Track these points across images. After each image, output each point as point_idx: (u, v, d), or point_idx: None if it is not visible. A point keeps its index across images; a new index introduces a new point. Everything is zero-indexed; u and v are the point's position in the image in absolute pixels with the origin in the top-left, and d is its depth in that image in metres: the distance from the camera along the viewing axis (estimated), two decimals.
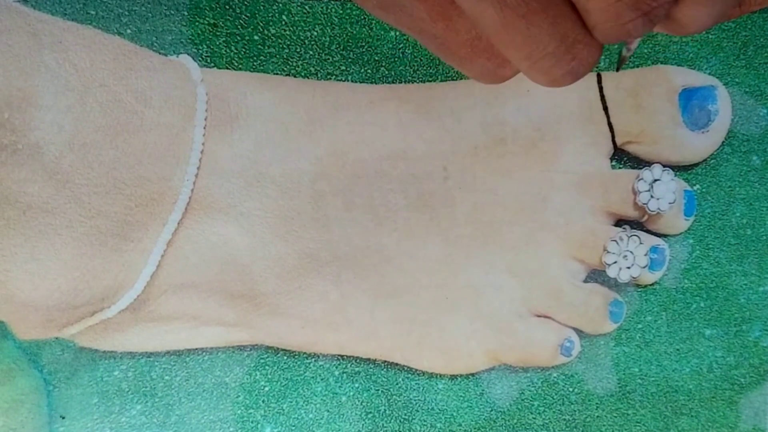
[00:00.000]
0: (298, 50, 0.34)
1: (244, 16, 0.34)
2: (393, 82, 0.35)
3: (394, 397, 0.35)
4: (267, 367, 0.35)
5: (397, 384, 0.35)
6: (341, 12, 0.34)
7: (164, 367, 0.35)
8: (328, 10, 0.34)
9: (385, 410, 0.35)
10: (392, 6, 0.19)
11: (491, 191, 0.33)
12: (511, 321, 0.34)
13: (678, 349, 0.36)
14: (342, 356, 0.35)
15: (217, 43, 0.34)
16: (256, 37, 0.34)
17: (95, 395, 0.35)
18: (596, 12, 0.17)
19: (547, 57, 0.18)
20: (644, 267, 0.33)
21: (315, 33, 0.34)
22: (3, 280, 0.27)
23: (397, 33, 0.35)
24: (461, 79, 0.35)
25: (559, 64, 0.19)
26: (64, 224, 0.27)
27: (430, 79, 0.35)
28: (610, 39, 0.18)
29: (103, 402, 0.35)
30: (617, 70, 0.23)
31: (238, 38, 0.34)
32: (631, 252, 0.33)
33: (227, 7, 0.34)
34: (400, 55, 0.35)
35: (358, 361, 0.35)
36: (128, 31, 0.34)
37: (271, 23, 0.34)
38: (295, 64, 0.34)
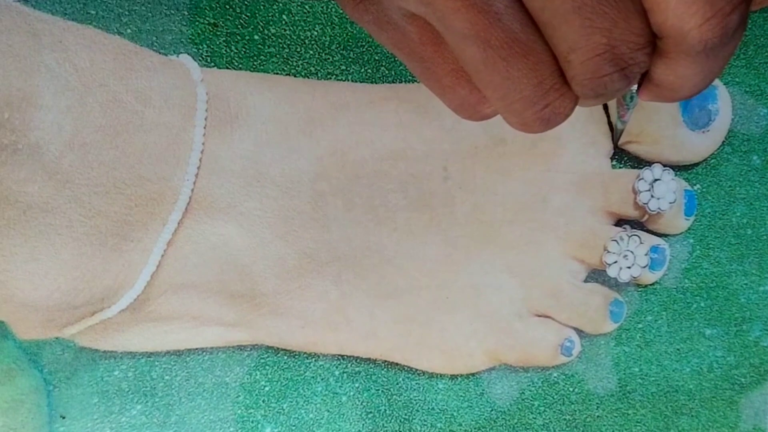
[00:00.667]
0: (298, 50, 0.34)
1: (244, 16, 0.34)
2: (393, 82, 0.35)
3: (395, 396, 0.35)
4: (267, 367, 0.35)
5: (397, 384, 0.35)
6: (341, 12, 0.34)
7: (164, 367, 0.35)
8: (328, 10, 0.34)
9: (385, 410, 0.35)
10: (387, 24, 0.20)
11: (491, 191, 0.33)
12: (511, 321, 0.33)
13: (678, 349, 0.36)
14: (342, 356, 0.35)
15: (218, 43, 0.34)
16: (256, 37, 0.34)
17: (95, 395, 0.35)
18: (576, 64, 0.18)
19: (522, 100, 0.19)
20: (644, 267, 0.33)
21: (315, 33, 0.34)
22: (3, 280, 0.27)
23: None
24: None
25: (532, 108, 0.19)
26: (64, 224, 0.27)
27: None
28: (586, 91, 0.19)
29: (103, 402, 0.35)
30: (615, 144, 0.24)
31: (239, 38, 0.34)
32: (631, 252, 0.33)
33: (227, 6, 0.34)
34: None
35: (358, 361, 0.35)
36: (128, 30, 0.34)
37: (271, 23, 0.34)
38: (295, 63, 0.34)
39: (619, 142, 0.34)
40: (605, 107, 0.33)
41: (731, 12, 0.16)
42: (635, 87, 0.20)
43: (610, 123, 0.33)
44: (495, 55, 0.18)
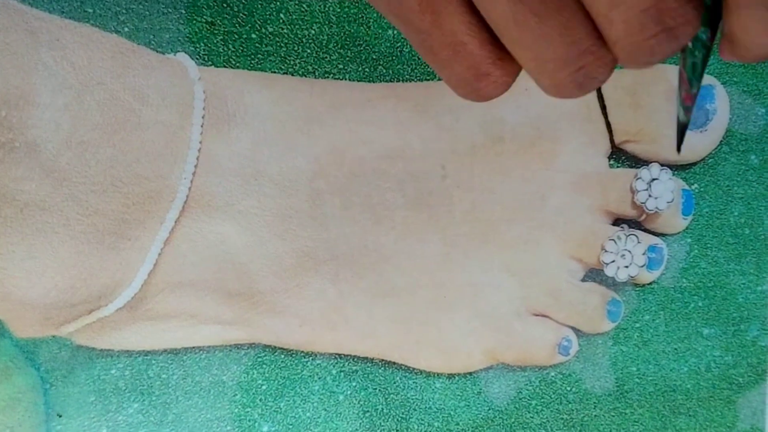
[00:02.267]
0: (296, 48, 0.34)
1: (241, 15, 0.34)
2: (391, 81, 0.35)
3: (392, 396, 0.35)
4: (264, 366, 0.35)
5: (394, 383, 0.35)
6: (339, 10, 0.34)
7: (161, 366, 0.35)
8: (326, 9, 0.34)
9: (382, 409, 0.35)
10: None
11: (489, 190, 0.33)
12: (509, 320, 0.33)
13: (676, 349, 0.36)
14: (339, 355, 0.35)
15: (215, 42, 0.34)
16: (253, 36, 0.34)
17: (92, 393, 0.35)
18: (619, 23, 0.16)
19: (556, 61, 0.18)
20: (642, 266, 0.33)
21: (313, 31, 0.34)
22: (0, 278, 0.27)
23: (395, 31, 0.35)
24: None
25: (566, 70, 0.18)
26: (62, 222, 0.27)
27: (429, 77, 0.35)
28: (630, 56, 0.17)
29: (100, 400, 0.35)
30: (680, 145, 0.20)
31: (236, 36, 0.34)
32: (629, 251, 0.33)
33: (225, 5, 0.34)
34: (398, 53, 0.35)
35: (355, 359, 0.35)
36: (126, 29, 0.34)
37: (268, 21, 0.34)
38: (292, 62, 0.34)
39: (617, 143, 0.34)
40: (603, 107, 0.33)
41: None
42: (699, 54, 0.18)
43: (608, 122, 0.33)
44: (526, 9, 0.17)
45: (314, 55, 0.35)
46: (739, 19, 0.16)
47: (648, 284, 0.36)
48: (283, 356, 0.35)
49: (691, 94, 0.20)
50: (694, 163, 0.35)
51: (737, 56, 0.18)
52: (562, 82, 0.18)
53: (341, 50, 0.35)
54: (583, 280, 0.35)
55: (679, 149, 0.20)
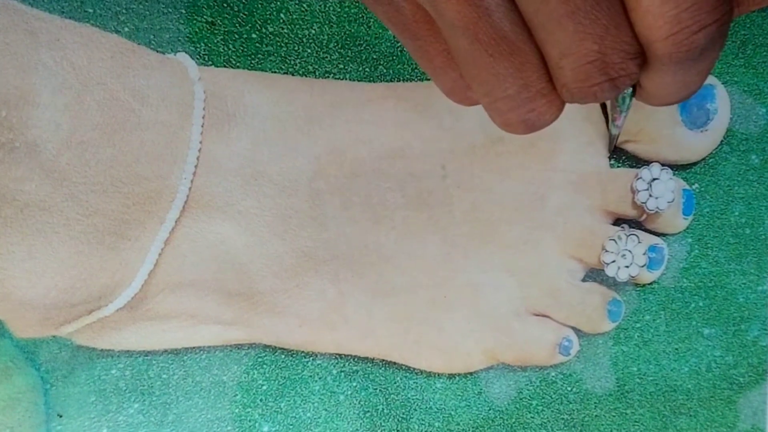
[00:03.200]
0: (296, 48, 0.34)
1: (241, 14, 0.34)
2: (391, 81, 0.35)
3: (392, 396, 0.35)
4: (265, 366, 0.35)
5: (395, 383, 0.35)
6: (339, 10, 0.34)
7: (162, 366, 0.35)
8: (326, 9, 0.34)
9: (382, 409, 0.35)
10: None
11: (489, 190, 0.33)
12: (509, 320, 0.33)
13: (676, 349, 0.36)
14: (340, 355, 0.35)
15: (215, 41, 0.34)
16: (254, 36, 0.34)
17: (92, 394, 0.35)
18: (567, 70, 0.18)
19: (506, 99, 0.19)
20: (643, 266, 0.33)
21: (313, 31, 0.34)
22: (0, 278, 0.27)
23: None
24: None
25: (516, 109, 0.19)
26: (62, 222, 0.27)
27: (428, 77, 0.35)
28: (574, 98, 0.19)
29: (100, 400, 0.35)
30: (610, 151, 0.23)
31: (236, 36, 0.34)
32: (629, 251, 0.33)
33: (225, 5, 0.34)
34: (398, 53, 0.35)
35: (355, 359, 0.35)
36: (126, 29, 0.34)
37: (268, 21, 0.34)
38: (293, 62, 0.34)
39: (617, 143, 0.34)
40: (603, 106, 0.33)
41: (698, 31, 0.17)
42: (629, 90, 0.20)
43: (608, 122, 0.33)
44: (482, 49, 0.18)
45: (314, 55, 0.35)
46: (648, 75, 0.18)
47: (648, 284, 0.35)
48: (283, 356, 0.35)
49: (620, 116, 0.24)
50: (695, 163, 0.35)
51: (647, 102, 0.20)
52: (512, 120, 0.19)
53: (341, 50, 0.35)
54: (583, 280, 0.34)
55: (610, 157, 0.23)
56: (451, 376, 0.35)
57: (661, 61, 0.17)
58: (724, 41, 0.18)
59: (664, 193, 0.33)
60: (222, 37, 0.34)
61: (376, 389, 0.35)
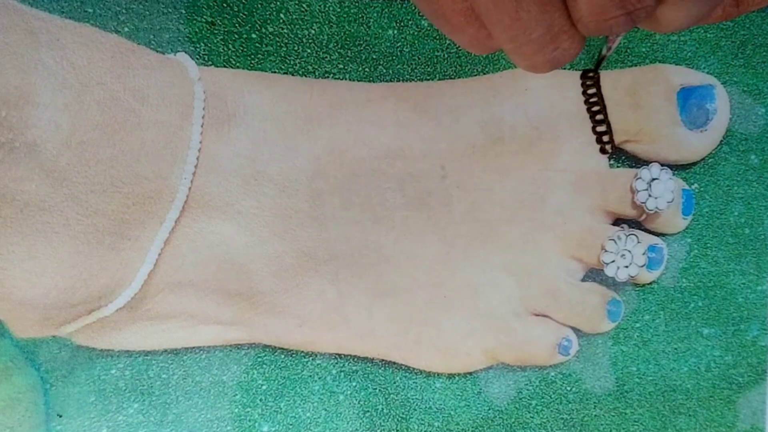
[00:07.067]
0: (296, 48, 0.34)
1: (241, 14, 0.34)
2: (391, 81, 0.35)
3: (392, 396, 0.35)
4: (264, 366, 0.35)
5: (394, 383, 0.35)
6: (339, 10, 0.34)
7: (161, 366, 0.35)
8: (326, 9, 0.34)
9: (382, 409, 0.35)
10: None
11: (489, 190, 0.33)
12: (508, 320, 0.33)
13: (676, 348, 0.36)
14: (339, 355, 0.35)
15: (215, 41, 0.34)
16: (253, 36, 0.34)
17: (92, 393, 0.35)
18: (583, 5, 0.18)
19: (531, 43, 0.19)
20: (642, 266, 0.33)
21: (313, 31, 0.34)
22: (0, 278, 0.27)
23: (395, 31, 0.35)
24: (459, 77, 0.35)
25: (541, 51, 0.19)
26: (62, 222, 0.27)
27: (428, 77, 0.35)
28: (591, 32, 0.19)
29: (100, 400, 0.35)
30: (596, 67, 0.24)
31: (236, 36, 0.34)
32: (629, 251, 0.33)
33: (225, 5, 0.34)
34: (398, 53, 0.35)
35: (355, 359, 0.35)
36: (125, 29, 0.34)
37: (268, 21, 0.34)
38: (292, 62, 0.34)
39: (617, 143, 0.34)
40: (603, 107, 0.33)
41: None
42: None
43: (608, 122, 0.33)
44: None
45: (314, 55, 0.35)
46: (669, 7, 0.19)
47: (648, 284, 0.36)
48: (283, 356, 0.35)
49: (616, 38, 0.24)
50: (694, 163, 0.35)
51: (651, 28, 0.20)
52: (538, 61, 0.20)
53: (341, 50, 0.35)
54: (583, 280, 0.35)
55: (596, 70, 0.24)
56: (450, 376, 0.35)
57: None
58: None
59: (663, 193, 0.33)
60: (222, 37, 0.34)
61: (375, 389, 0.35)
